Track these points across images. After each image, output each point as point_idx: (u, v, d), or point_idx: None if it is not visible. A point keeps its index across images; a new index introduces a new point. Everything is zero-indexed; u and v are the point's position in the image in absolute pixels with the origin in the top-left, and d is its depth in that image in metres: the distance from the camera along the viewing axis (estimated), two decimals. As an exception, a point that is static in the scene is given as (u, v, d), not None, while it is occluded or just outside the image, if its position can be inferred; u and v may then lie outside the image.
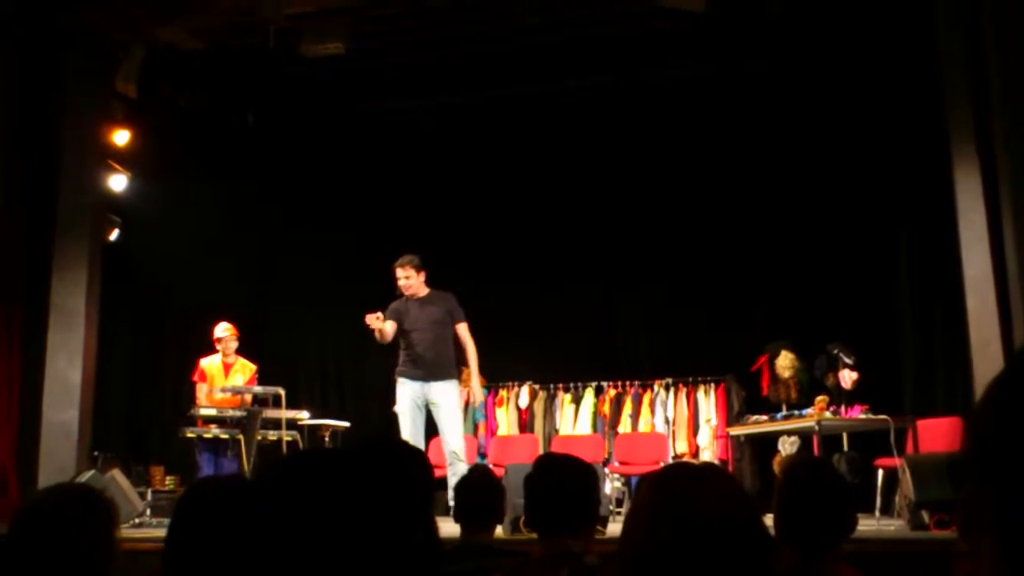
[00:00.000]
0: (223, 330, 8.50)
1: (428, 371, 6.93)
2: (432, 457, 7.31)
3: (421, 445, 6.89)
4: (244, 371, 8.49)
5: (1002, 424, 0.77)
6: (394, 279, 7.13)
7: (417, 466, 2.17)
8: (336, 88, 9.95)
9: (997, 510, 0.76)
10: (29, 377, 7.66)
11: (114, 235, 8.85)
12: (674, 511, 1.22)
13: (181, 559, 1.81)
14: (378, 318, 6.89)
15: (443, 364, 6.99)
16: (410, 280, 7.06)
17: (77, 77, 7.93)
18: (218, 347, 8.48)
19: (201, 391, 8.30)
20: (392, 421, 7.25)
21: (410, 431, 6.87)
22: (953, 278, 6.83)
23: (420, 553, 1.34)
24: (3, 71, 7.00)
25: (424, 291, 7.14)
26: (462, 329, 7.07)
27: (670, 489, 1.25)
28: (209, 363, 8.43)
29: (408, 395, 6.97)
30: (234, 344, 8.49)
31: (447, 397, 6.96)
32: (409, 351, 7.04)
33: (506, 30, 8.67)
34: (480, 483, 3.64)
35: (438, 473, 6.67)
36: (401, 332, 7.06)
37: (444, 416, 6.94)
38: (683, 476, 1.27)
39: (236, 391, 8.17)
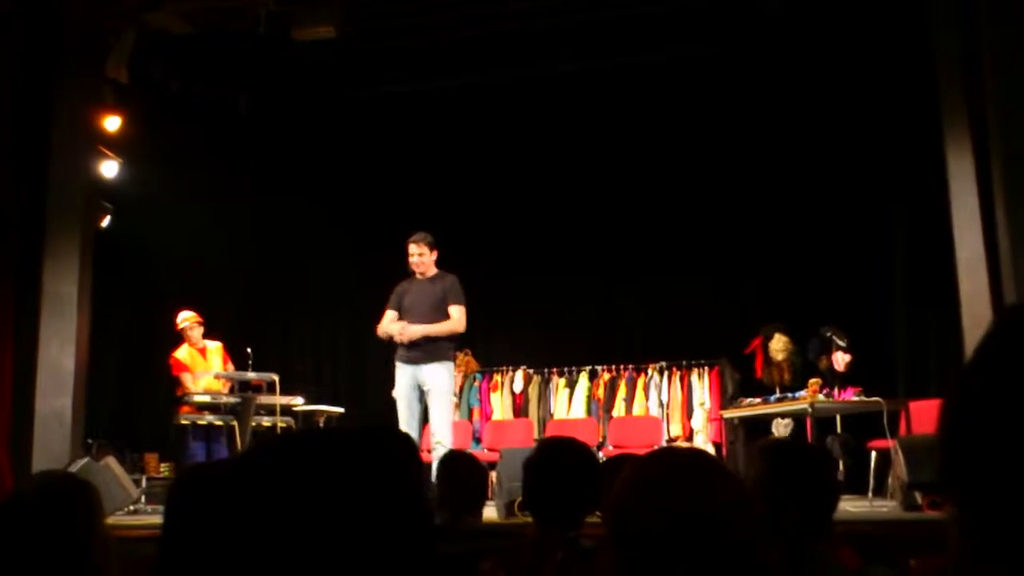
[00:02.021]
0: (184, 319, 8.44)
1: (421, 354, 6.85)
2: (425, 442, 7.28)
3: (417, 429, 6.86)
4: (217, 352, 8.48)
5: (961, 439, 0.77)
6: (405, 254, 7.05)
7: (404, 450, 2.16)
8: (330, 72, 9.90)
9: (966, 519, 0.77)
10: (21, 365, 7.63)
11: (106, 222, 8.81)
12: (656, 498, 1.21)
13: (176, 546, 1.81)
14: (401, 332, 6.85)
15: (435, 347, 6.87)
16: (423, 257, 6.98)
17: (68, 62, 7.86)
18: (184, 336, 8.42)
19: (187, 379, 8.26)
20: (389, 406, 7.23)
21: (406, 415, 6.83)
22: (946, 260, 6.84)
23: (416, 537, 1.34)
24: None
25: (432, 271, 7.05)
26: (454, 310, 6.91)
27: (648, 474, 1.24)
28: (183, 355, 8.38)
29: (404, 379, 6.91)
30: (199, 330, 8.45)
31: (438, 380, 6.85)
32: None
33: (501, 13, 8.64)
34: (455, 469, 3.62)
35: (426, 458, 6.68)
36: (400, 315, 7.01)
37: (433, 401, 6.85)
38: (668, 462, 1.26)
39: (231, 377, 8.17)
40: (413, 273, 7.06)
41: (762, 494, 2.28)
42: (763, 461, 2.38)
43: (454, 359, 7.12)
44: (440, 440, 6.69)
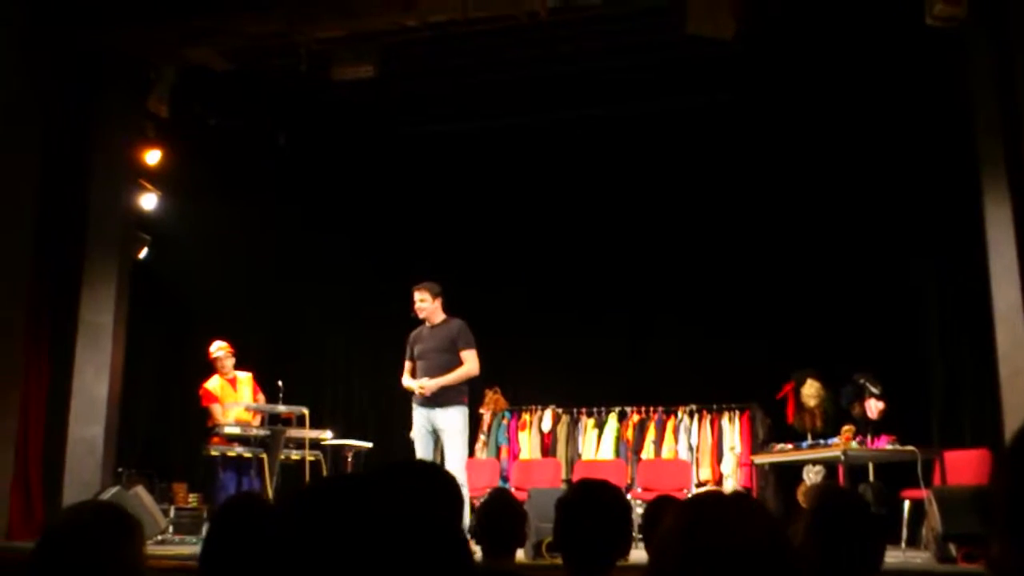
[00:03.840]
0: (218, 349, 8.48)
1: (432, 398, 7.00)
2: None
3: None
4: (247, 382, 8.52)
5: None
6: (411, 301, 7.20)
7: (447, 488, 2.15)
8: (368, 110, 10.02)
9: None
10: (56, 392, 7.72)
11: (143, 253, 8.91)
12: (706, 542, 1.20)
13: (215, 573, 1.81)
14: (421, 388, 6.98)
15: (447, 391, 7.01)
16: (424, 304, 7.16)
17: (109, 97, 8.03)
18: (216, 366, 8.48)
19: (217, 411, 8.30)
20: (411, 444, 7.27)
21: (422, 455, 6.94)
22: (982, 308, 6.77)
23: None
24: (38, 91, 7.10)
25: (438, 318, 7.21)
26: (466, 355, 7.06)
27: (702, 519, 1.23)
28: (214, 385, 8.41)
29: (419, 421, 7.09)
30: (231, 361, 8.49)
31: (451, 423, 6.99)
32: (418, 378, 7.10)
33: (536, 57, 8.74)
34: (502, 507, 3.62)
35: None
36: (413, 363, 7.19)
37: (447, 443, 6.99)
38: (715, 506, 1.25)
39: (261, 409, 8.20)
40: (423, 321, 7.18)
41: (806, 542, 2.26)
42: (811, 510, 2.35)
43: (467, 402, 7.22)
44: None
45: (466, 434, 7.18)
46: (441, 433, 6.99)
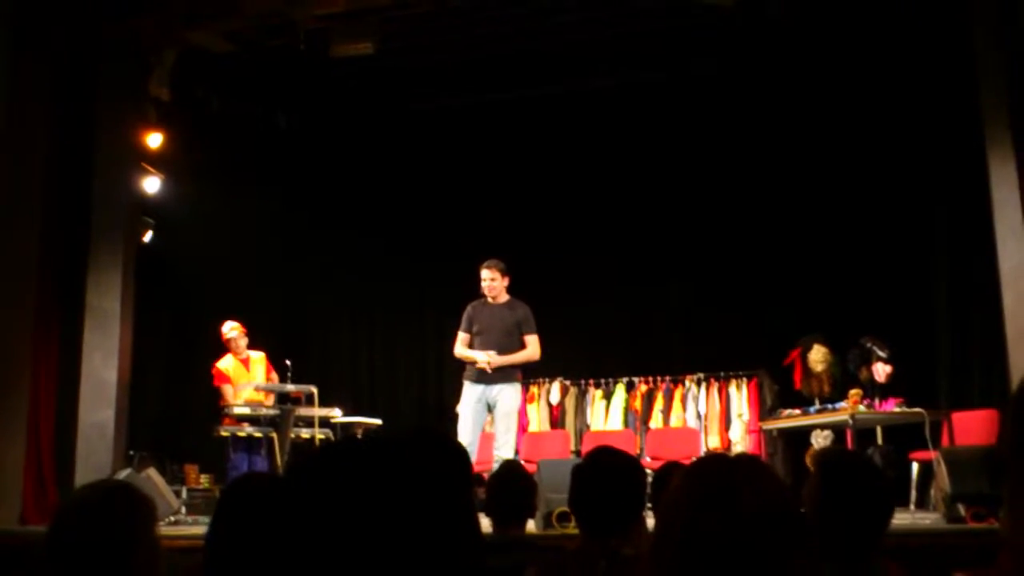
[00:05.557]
0: (231, 329, 8.52)
1: (495, 376, 7.06)
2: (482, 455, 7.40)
3: (477, 444, 7.05)
4: (260, 362, 8.57)
5: None
6: (478, 279, 7.24)
7: (457, 459, 2.17)
8: (369, 89, 9.98)
9: None
10: (66, 377, 7.76)
11: (148, 237, 8.91)
12: (712, 503, 1.21)
13: (223, 556, 1.83)
14: (488, 363, 7.02)
15: (508, 370, 7.10)
16: (495, 283, 7.20)
17: (111, 81, 8.01)
18: (229, 347, 8.52)
19: (228, 392, 8.35)
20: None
21: (469, 429, 7.01)
22: (989, 270, 6.76)
23: (462, 549, 1.35)
24: (40, 77, 7.08)
25: (504, 297, 7.27)
26: (529, 340, 7.17)
27: (708, 481, 1.24)
28: (226, 365, 8.46)
29: (472, 395, 7.11)
30: (244, 341, 8.54)
31: (508, 400, 7.08)
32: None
33: (536, 29, 8.69)
34: (512, 478, 3.64)
35: (478, 469, 6.76)
36: (471, 337, 7.21)
37: (503, 420, 7.07)
38: (721, 467, 1.26)
39: (271, 389, 8.25)
40: (483, 296, 7.21)
41: (815, 505, 2.27)
42: (818, 472, 2.36)
43: (522, 380, 7.34)
44: (506, 456, 6.82)
45: (517, 412, 7.36)
46: (497, 410, 7.07)
